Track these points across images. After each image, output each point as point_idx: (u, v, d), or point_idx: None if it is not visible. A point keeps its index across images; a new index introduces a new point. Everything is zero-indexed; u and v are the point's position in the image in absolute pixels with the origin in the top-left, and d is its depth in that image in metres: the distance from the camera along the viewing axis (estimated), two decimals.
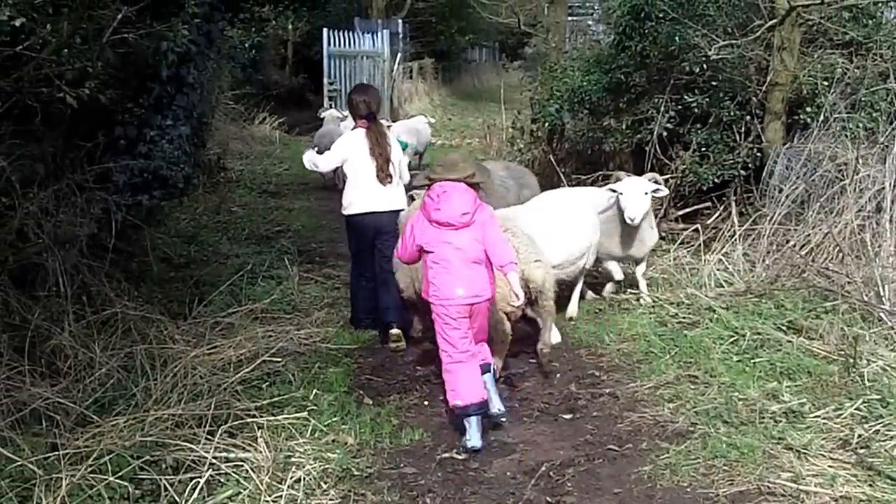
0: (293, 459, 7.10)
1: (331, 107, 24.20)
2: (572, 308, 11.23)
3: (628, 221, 10.75)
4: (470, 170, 7.95)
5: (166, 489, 6.39)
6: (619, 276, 11.67)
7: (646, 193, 10.82)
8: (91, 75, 8.47)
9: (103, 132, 9.60)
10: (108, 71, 8.95)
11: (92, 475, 6.39)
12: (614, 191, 11.00)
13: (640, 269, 11.65)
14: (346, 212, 10.36)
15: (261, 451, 6.96)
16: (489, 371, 8.13)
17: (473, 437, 7.66)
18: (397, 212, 10.06)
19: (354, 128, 10.44)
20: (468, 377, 7.75)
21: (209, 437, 7.03)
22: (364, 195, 10.14)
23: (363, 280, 10.53)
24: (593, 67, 15.97)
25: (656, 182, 11.12)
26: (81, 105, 8.27)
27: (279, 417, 7.70)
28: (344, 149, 10.29)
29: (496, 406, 8.06)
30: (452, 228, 7.75)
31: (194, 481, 6.43)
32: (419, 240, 7.89)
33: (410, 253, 8.06)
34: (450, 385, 7.82)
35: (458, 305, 7.72)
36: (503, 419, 8.12)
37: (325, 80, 31.74)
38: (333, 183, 17.88)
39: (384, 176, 10.08)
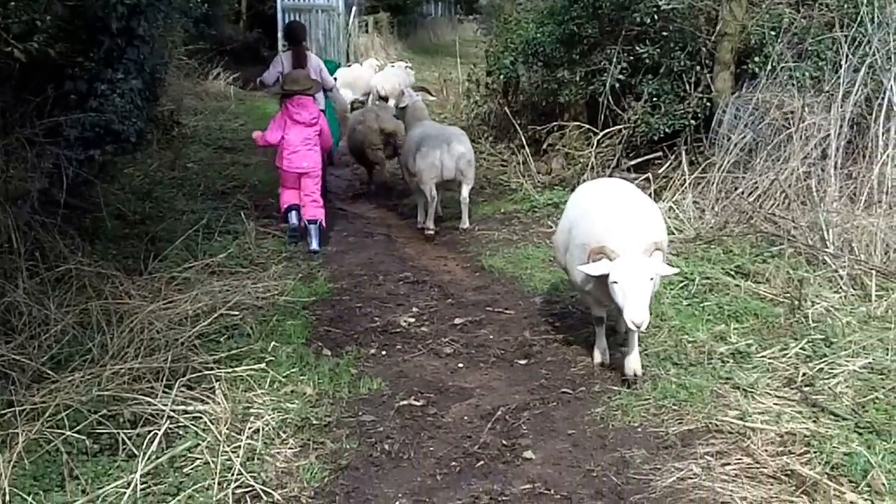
0: (252, 410, 7.13)
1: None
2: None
3: (630, 326, 7.18)
4: (310, 84, 12.58)
5: (124, 443, 6.41)
6: (598, 315, 8.29)
7: (651, 279, 7.17)
8: (40, 29, 8.37)
9: (53, 86, 9.49)
10: (57, 24, 8.83)
11: (49, 430, 6.41)
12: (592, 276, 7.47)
13: None
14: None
15: (219, 403, 6.98)
16: (315, 223, 12.22)
17: (313, 242, 12.18)
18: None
19: (286, 50, 13.94)
20: (289, 198, 12.41)
21: (167, 390, 7.06)
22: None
23: None
24: (547, 19, 16.01)
25: (659, 249, 7.45)
26: (30, 59, 8.21)
27: (237, 369, 7.73)
28: (279, 65, 13.67)
29: (314, 245, 12.16)
30: (305, 125, 12.25)
31: (152, 434, 6.44)
32: (283, 132, 12.26)
33: (276, 139, 12.33)
34: (281, 200, 12.59)
35: (300, 171, 12.26)
36: (315, 254, 12.01)
37: (280, 35, 31.46)
38: None
39: None
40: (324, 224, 12.36)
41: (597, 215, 7.75)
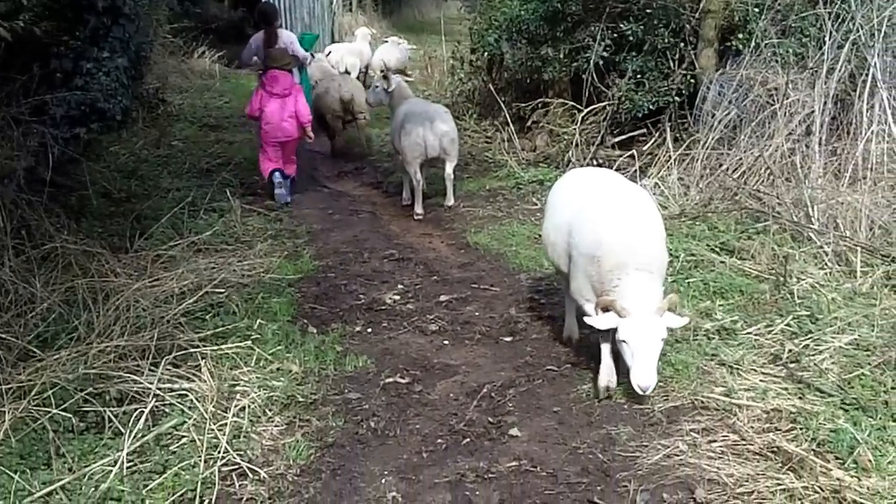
0: (238, 388, 7.09)
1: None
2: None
3: (636, 390, 6.58)
4: (288, 59, 13.77)
5: (111, 420, 6.38)
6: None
7: (662, 340, 6.65)
8: (25, 7, 8.31)
9: (39, 64, 9.42)
10: (43, 3, 8.78)
11: (35, 408, 6.38)
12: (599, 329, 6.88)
13: None
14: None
15: (205, 381, 6.95)
16: (287, 179, 13.65)
17: (287, 194, 13.54)
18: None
19: (259, 30, 14.21)
20: (271, 165, 13.55)
21: (153, 368, 7.03)
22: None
23: None
24: None
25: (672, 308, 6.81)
26: (16, 37, 8.13)
27: (223, 347, 7.69)
28: (254, 44, 14.06)
29: (284, 199, 13.48)
30: (279, 97, 13.43)
31: (139, 412, 6.41)
32: (261, 104, 13.46)
33: (255, 112, 13.58)
34: (263, 167, 13.71)
35: (276, 141, 13.50)
36: (285, 205, 13.37)
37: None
38: None
39: None
40: (295, 178, 14.16)
41: (603, 224, 7.03)
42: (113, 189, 12.04)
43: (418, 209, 12.96)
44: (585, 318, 7.05)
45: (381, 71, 17.09)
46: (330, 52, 23.76)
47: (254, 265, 10.11)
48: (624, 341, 6.58)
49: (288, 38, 14.39)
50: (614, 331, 6.69)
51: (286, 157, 13.73)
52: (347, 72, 22.89)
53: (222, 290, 8.96)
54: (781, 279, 8.66)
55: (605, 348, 7.19)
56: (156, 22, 18.83)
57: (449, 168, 13.10)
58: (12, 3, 8.21)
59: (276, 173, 13.50)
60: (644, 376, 6.46)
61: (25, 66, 9.42)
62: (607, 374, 7.16)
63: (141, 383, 6.79)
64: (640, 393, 6.52)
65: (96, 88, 9.74)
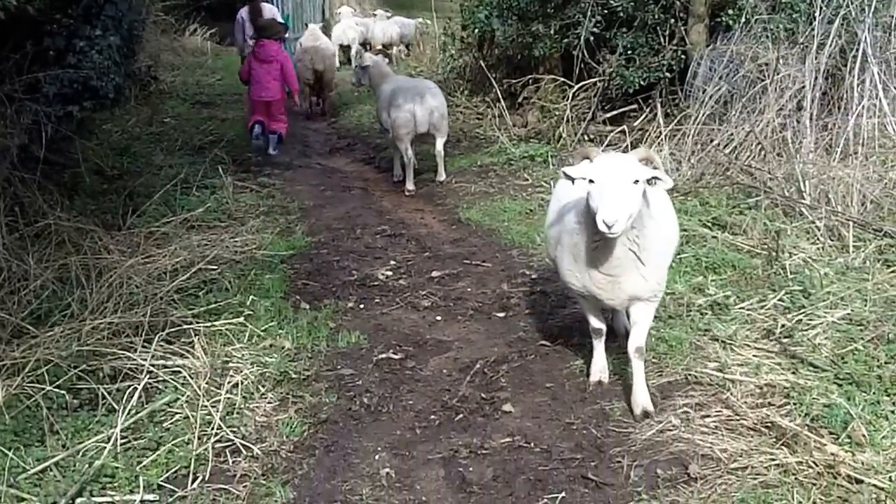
0: (231, 365, 7.03)
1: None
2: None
3: (601, 228, 5.66)
4: (277, 29, 15.19)
5: (104, 397, 6.33)
6: (596, 326, 6.92)
7: (635, 182, 5.78)
8: None
9: (32, 43, 9.35)
10: None
11: (29, 386, 6.33)
12: (571, 178, 5.99)
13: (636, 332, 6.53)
14: (242, 52, 16.64)
15: (198, 358, 6.90)
16: (276, 134, 15.05)
17: (271, 148, 15.09)
18: None
19: (244, 5, 16.63)
20: (256, 118, 14.84)
21: (146, 345, 6.96)
22: (249, 42, 15.74)
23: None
24: None
25: (649, 163, 6.05)
26: (9, 16, 8.03)
27: (216, 324, 7.63)
28: (240, 24, 16.47)
29: (259, 148, 15.00)
30: (265, 62, 14.67)
31: (132, 389, 6.35)
32: (251, 68, 14.76)
33: (245, 75, 14.93)
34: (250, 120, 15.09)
35: (265, 100, 14.78)
36: (270, 157, 15.02)
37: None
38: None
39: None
40: (283, 135, 15.34)
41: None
42: (105, 166, 12.00)
43: (409, 185, 12.93)
44: (561, 169, 6.11)
45: (357, 50, 18.11)
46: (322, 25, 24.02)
47: (246, 241, 10.07)
48: (591, 181, 5.76)
49: (270, 10, 16.82)
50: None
51: (272, 115, 15.00)
52: (348, 46, 23.66)
53: (215, 267, 8.92)
54: (774, 254, 8.60)
55: (599, 344, 7.02)
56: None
57: (439, 143, 13.09)
58: None
59: (257, 125, 14.82)
60: (609, 212, 5.57)
61: (18, 44, 9.33)
62: (599, 370, 7.00)
63: (134, 360, 6.74)
64: (605, 230, 5.59)
65: (89, 66, 9.67)
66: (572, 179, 5.96)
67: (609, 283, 6.22)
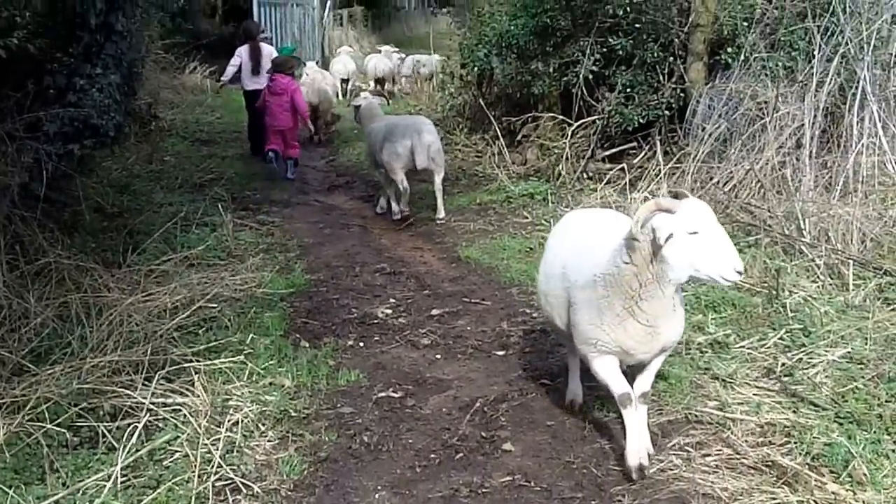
0: (231, 403, 7.04)
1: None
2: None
3: (733, 278, 5.41)
4: (290, 65, 17.05)
5: (104, 436, 6.34)
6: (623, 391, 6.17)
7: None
8: (19, 25, 8.33)
9: (33, 81, 9.42)
10: (37, 20, 8.79)
11: (29, 423, 6.35)
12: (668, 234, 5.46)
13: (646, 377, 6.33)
14: (244, 88, 18.23)
15: (198, 396, 6.90)
16: (291, 160, 16.72)
17: (289, 173, 16.65)
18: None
19: (243, 44, 18.10)
20: (270, 145, 16.44)
21: (146, 383, 6.96)
22: (248, 79, 17.93)
23: (255, 126, 17.68)
24: (520, 12, 15.94)
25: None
26: (10, 55, 8.13)
27: (216, 362, 7.63)
28: (238, 58, 17.90)
29: (290, 175, 16.64)
30: (277, 94, 16.24)
31: (132, 427, 6.35)
32: (266, 100, 16.36)
33: (261, 106, 16.52)
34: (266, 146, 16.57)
35: (275, 128, 16.37)
36: (289, 178, 16.59)
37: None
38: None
39: (257, 69, 17.72)
40: (297, 160, 17.01)
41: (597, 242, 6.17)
42: (106, 204, 12.02)
43: (403, 206, 13.21)
44: (636, 229, 5.51)
45: (353, 87, 19.07)
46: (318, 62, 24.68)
47: (246, 279, 10.07)
48: (695, 232, 5.36)
49: (268, 51, 18.20)
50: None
51: (287, 142, 16.67)
52: (347, 79, 25.66)
53: (215, 305, 8.93)
54: (774, 292, 8.63)
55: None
56: (148, 38, 18.95)
57: (438, 180, 13.14)
58: (6, 21, 8.23)
59: (271, 153, 16.46)
60: (738, 259, 5.36)
61: (19, 83, 9.41)
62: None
63: (134, 398, 6.74)
64: (737, 279, 5.46)
65: (89, 105, 9.73)
66: (668, 237, 5.41)
67: (648, 334, 5.87)
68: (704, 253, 5.34)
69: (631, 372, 6.28)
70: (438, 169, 13.15)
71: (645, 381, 6.25)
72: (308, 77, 20.24)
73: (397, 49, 29.19)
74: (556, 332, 7.13)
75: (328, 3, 34.91)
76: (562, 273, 6.48)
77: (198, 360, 7.60)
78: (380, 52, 28.22)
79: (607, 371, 6.11)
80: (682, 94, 13.51)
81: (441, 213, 13.31)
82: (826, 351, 7.39)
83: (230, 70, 18.20)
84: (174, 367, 7.38)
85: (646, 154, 13.62)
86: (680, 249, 5.40)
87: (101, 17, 9.62)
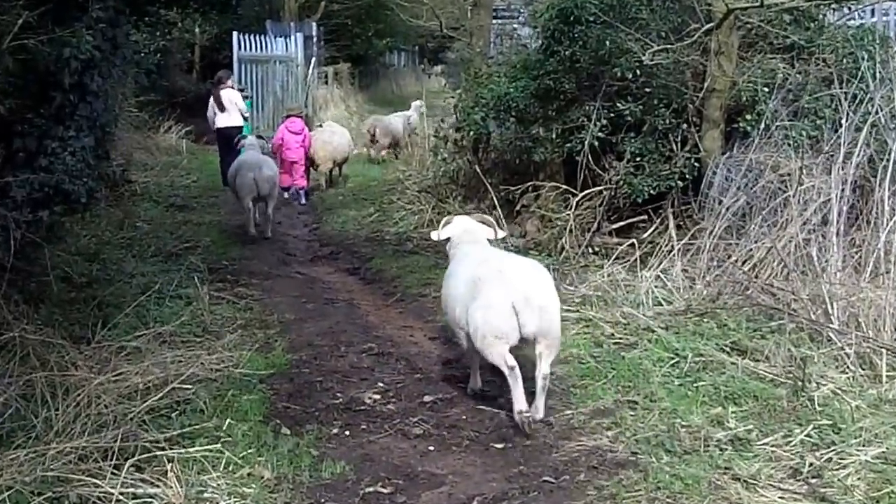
0: (206, 495, 6.97)
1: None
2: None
3: None
4: (299, 109, 24.99)
5: None
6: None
7: None
8: None
9: (2, 144, 9.44)
10: (8, 79, 8.81)
11: None
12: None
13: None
14: (214, 126, 23.32)
15: (171, 487, 6.81)
16: (302, 188, 22.61)
17: (301, 199, 22.50)
18: (236, 126, 22.68)
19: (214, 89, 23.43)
20: (287, 181, 22.26)
21: (115, 471, 6.87)
22: (219, 118, 22.97)
23: (226, 161, 21.24)
24: (520, 73, 15.95)
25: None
26: None
27: (190, 450, 7.55)
28: (212, 102, 23.19)
29: (303, 201, 22.50)
30: (296, 135, 22.41)
31: None
32: (283, 137, 22.46)
33: (278, 141, 22.52)
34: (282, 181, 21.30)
35: (290, 160, 22.38)
36: (302, 204, 22.40)
37: (236, 87, 31.62)
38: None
39: (221, 109, 22.92)
40: (307, 188, 22.94)
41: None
42: (74, 273, 12.03)
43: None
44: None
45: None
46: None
47: (223, 358, 10.00)
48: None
49: (230, 96, 23.25)
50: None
51: (297, 173, 22.66)
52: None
53: (189, 387, 8.83)
54: (799, 384, 8.53)
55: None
56: (121, 96, 18.99)
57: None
58: None
59: (293, 187, 22.63)
60: None
61: None
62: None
63: (102, 487, 6.64)
64: None
65: (61, 169, 9.76)
66: None
67: None
68: None
69: None
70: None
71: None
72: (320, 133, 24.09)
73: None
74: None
75: (313, 60, 35.19)
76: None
77: (171, 447, 7.50)
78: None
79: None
80: (696, 164, 13.49)
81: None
82: (858, 450, 7.29)
83: (210, 116, 23.61)
84: (145, 455, 7.28)
85: (657, 228, 13.60)
86: None
87: (76, 76, 9.67)
